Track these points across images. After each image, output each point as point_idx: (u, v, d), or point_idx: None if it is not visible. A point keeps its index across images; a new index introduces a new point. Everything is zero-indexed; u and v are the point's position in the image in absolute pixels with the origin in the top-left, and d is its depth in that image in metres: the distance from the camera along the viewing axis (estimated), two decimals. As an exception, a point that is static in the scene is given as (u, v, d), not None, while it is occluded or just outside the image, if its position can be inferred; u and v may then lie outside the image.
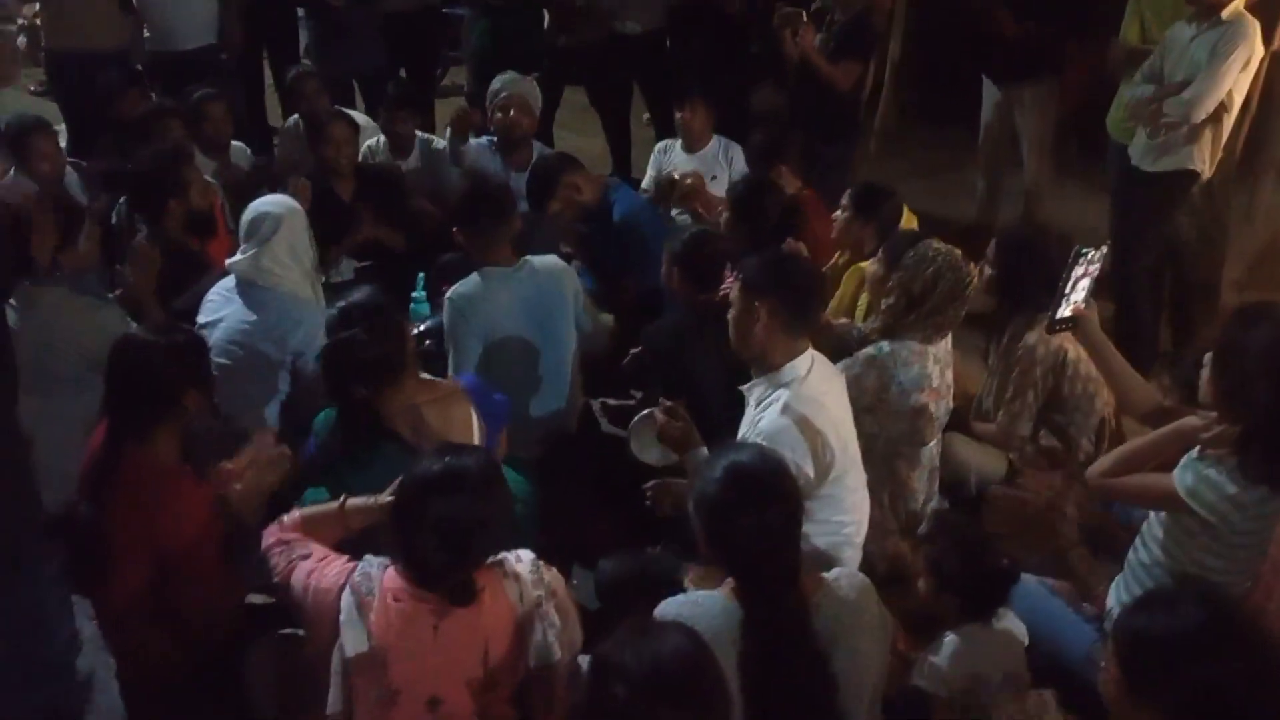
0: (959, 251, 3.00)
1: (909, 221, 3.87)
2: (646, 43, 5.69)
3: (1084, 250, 2.52)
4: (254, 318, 3.16)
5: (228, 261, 3.25)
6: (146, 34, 5.33)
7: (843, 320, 3.54)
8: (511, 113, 4.54)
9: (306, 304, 3.24)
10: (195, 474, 2.45)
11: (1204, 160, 3.89)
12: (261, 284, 3.18)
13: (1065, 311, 2.59)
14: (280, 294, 3.18)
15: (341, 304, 2.64)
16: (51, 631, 2.22)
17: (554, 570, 2.08)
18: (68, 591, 2.20)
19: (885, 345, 2.97)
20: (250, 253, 3.18)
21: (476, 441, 2.65)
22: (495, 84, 4.62)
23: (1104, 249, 2.60)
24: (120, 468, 2.33)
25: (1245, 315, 2.31)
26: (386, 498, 2.15)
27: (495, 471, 2.07)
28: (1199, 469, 2.25)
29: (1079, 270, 2.54)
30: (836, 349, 3.18)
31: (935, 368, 2.99)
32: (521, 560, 2.04)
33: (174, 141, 4.08)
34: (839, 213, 3.75)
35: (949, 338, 3.08)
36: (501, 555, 2.04)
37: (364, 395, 2.55)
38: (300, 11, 5.95)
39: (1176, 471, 2.28)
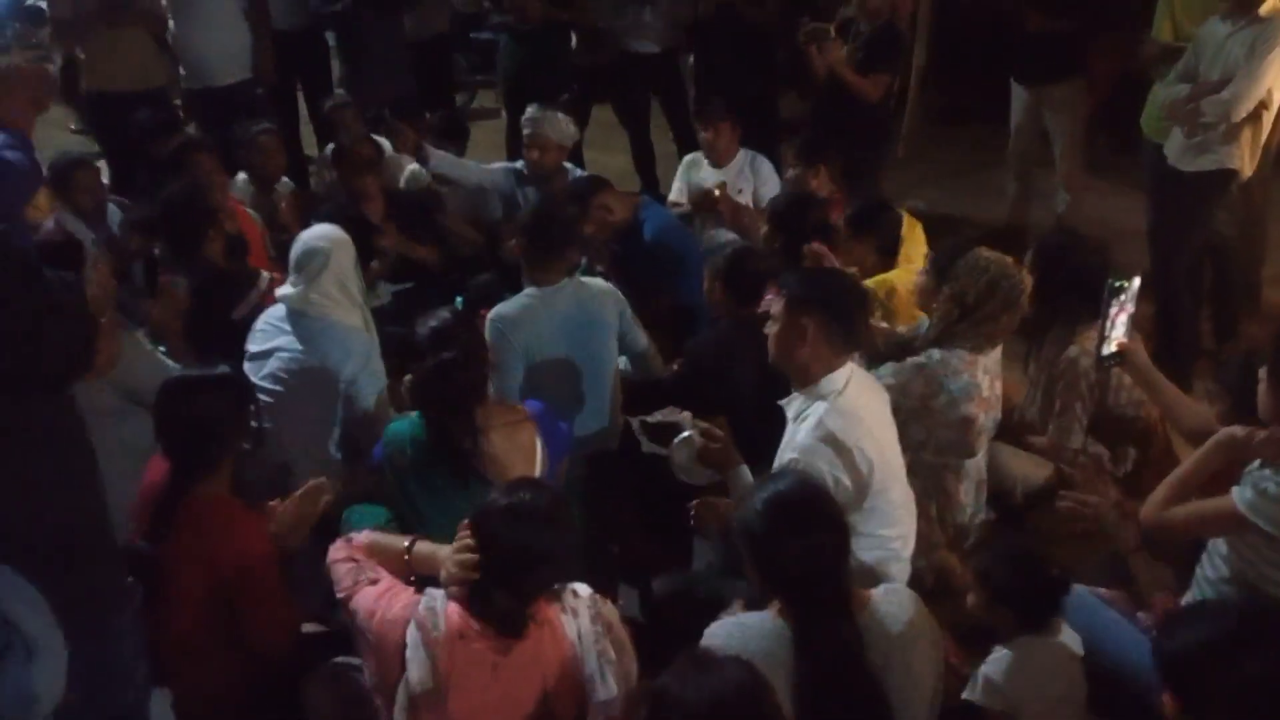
0: (1009, 258, 2.98)
1: (912, 230, 3.86)
2: (661, 61, 5.76)
3: (1117, 283, 2.54)
4: (306, 348, 3.20)
5: (278, 293, 3.30)
6: (182, 72, 5.42)
7: (883, 324, 3.54)
8: (535, 153, 4.58)
9: (357, 333, 3.28)
10: (247, 505, 2.49)
11: (1243, 159, 3.85)
12: (312, 315, 3.22)
13: (1110, 349, 2.63)
14: (331, 324, 3.22)
15: (432, 325, 2.73)
16: (129, 678, 2.22)
17: (610, 604, 2.10)
18: (143, 637, 2.22)
19: (935, 353, 2.94)
20: (300, 287, 3.23)
21: (539, 468, 2.69)
22: (524, 119, 4.66)
23: (1137, 280, 2.62)
24: (181, 505, 2.39)
25: None
26: (455, 555, 2.09)
27: (563, 509, 2.09)
28: (1257, 481, 2.21)
29: (1115, 305, 2.58)
30: (878, 356, 3.19)
31: (985, 378, 2.97)
32: (579, 595, 2.05)
33: (202, 174, 4.15)
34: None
35: (999, 349, 3.05)
36: (559, 588, 2.05)
37: (449, 418, 2.60)
38: (331, 41, 6.04)
39: (1235, 489, 2.24)
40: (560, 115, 4.60)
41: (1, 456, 1.71)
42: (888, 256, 3.71)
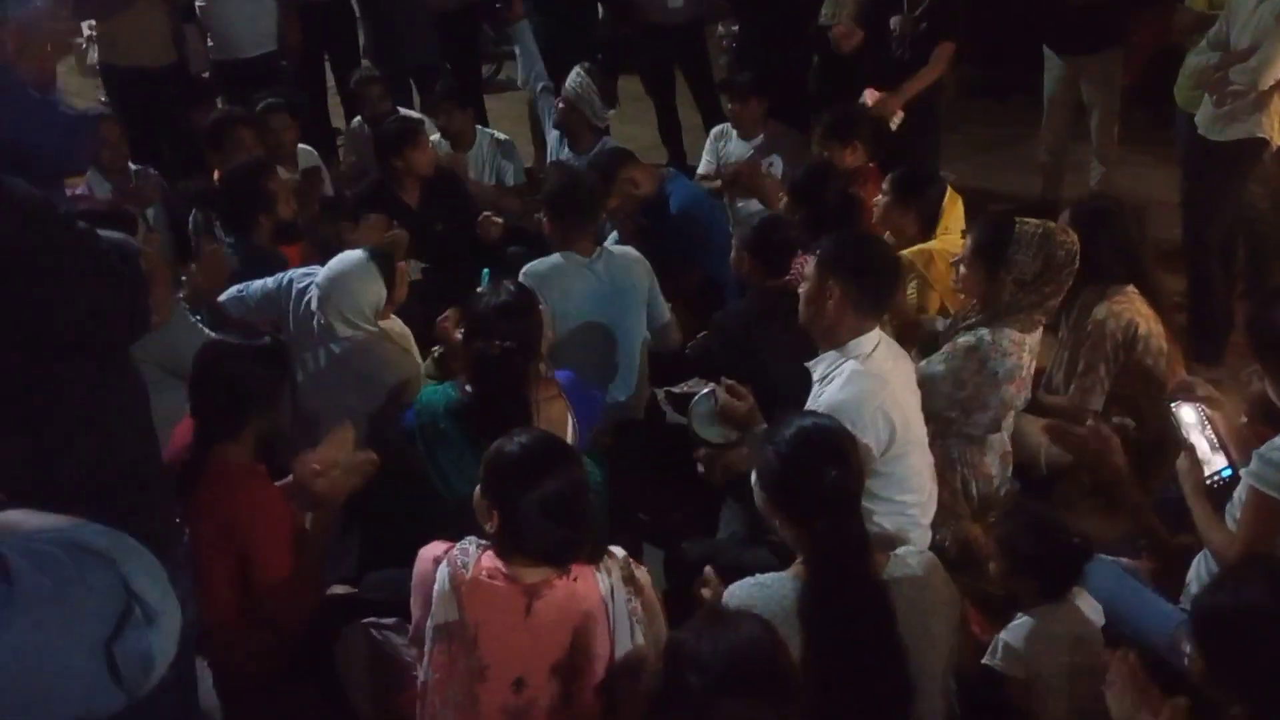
0: (1053, 223, 2.96)
1: (953, 204, 3.84)
2: (686, 32, 5.75)
3: (1174, 409, 2.48)
4: (340, 365, 3.16)
5: (314, 305, 3.20)
6: (209, 43, 5.46)
7: (926, 316, 3.54)
8: (564, 105, 4.63)
9: (390, 356, 3.20)
10: (269, 474, 2.54)
11: (1273, 127, 3.79)
12: (344, 340, 3.16)
13: (1210, 470, 2.42)
14: (364, 350, 3.16)
15: (502, 300, 2.74)
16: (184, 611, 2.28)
17: (643, 569, 2.13)
18: (189, 578, 2.29)
19: (986, 334, 2.91)
20: (322, 321, 3.16)
21: (570, 438, 2.72)
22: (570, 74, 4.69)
23: (1195, 407, 2.49)
24: (204, 469, 2.43)
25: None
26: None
27: (566, 444, 2.19)
28: (1260, 454, 2.19)
29: (1187, 426, 2.46)
30: (925, 344, 3.20)
31: (1028, 358, 2.96)
32: (614, 556, 2.09)
33: (252, 153, 4.16)
34: (879, 197, 3.74)
35: (1040, 330, 3.02)
36: (596, 548, 2.09)
37: (504, 398, 2.64)
38: (356, 10, 6.06)
39: (1245, 472, 2.23)
40: (592, 93, 4.59)
41: (77, 409, 1.79)
42: (928, 226, 3.69)
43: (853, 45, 4.70)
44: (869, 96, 4.58)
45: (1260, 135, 3.82)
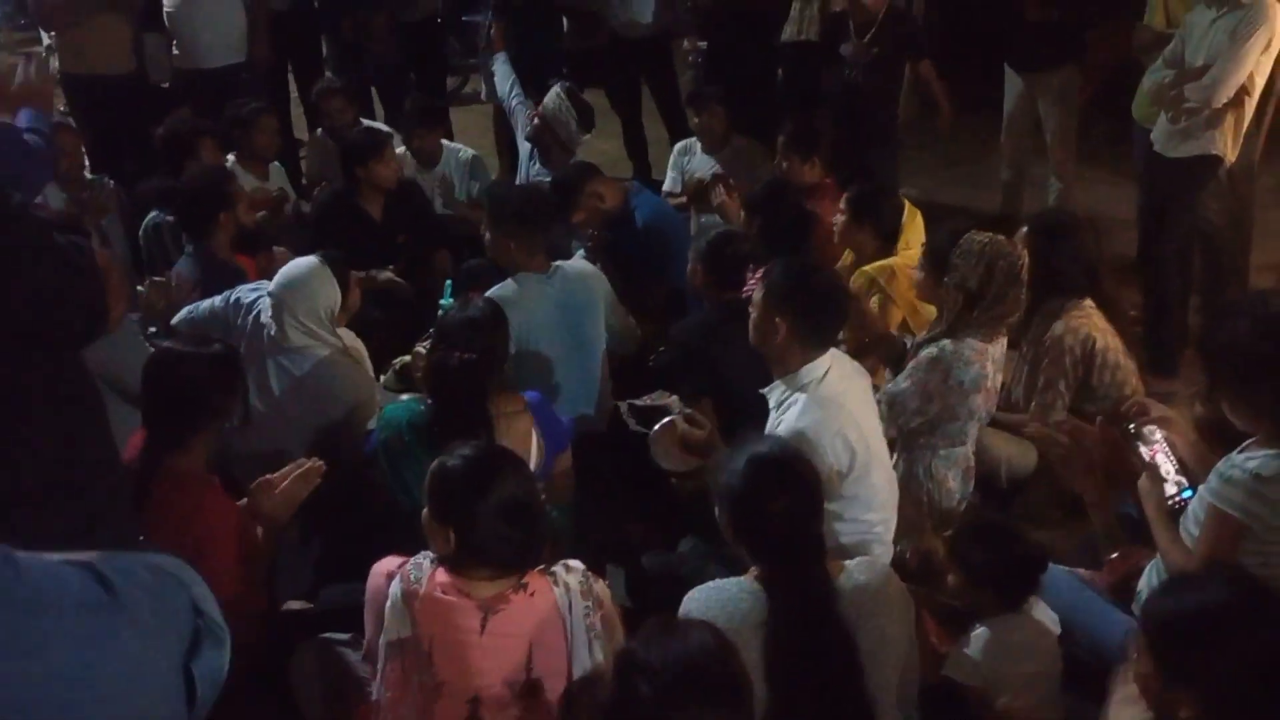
0: (1000, 237, 3.00)
1: (912, 218, 3.87)
2: (651, 46, 5.79)
3: (1134, 430, 2.49)
4: (293, 383, 3.13)
5: (265, 316, 3.18)
6: (175, 52, 5.43)
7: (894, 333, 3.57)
8: (538, 122, 4.62)
9: (342, 369, 3.17)
10: (224, 486, 2.51)
11: (1226, 144, 3.86)
12: (294, 354, 3.13)
13: (1172, 490, 2.40)
14: (314, 363, 3.13)
15: (469, 315, 2.78)
16: None
17: (602, 582, 2.12)
18: None
19: (948, 344, 2.95)
20: (275, 331, 3.14)
21: (534, 458, 2.71)
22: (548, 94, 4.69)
23: (1155, 428, 2.50)
24: (155, 478, 2.39)
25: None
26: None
27: (507, 449, 2.21)
28: (1219, 472, 2.19)
29: (1146, 450, 2.46)
30: (894, 361, 3.22)
31: (992, 368, 2.99)
32: (572, 570, 2.08)
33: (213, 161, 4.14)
34: (837, 216, 3.77)
35: (1004, 341, 3.06)
36: (554, 566, 2.08)
37: (464, 409, 2.63)
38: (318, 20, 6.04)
39: (1203, 489, 2.24)
40: (569, 115, 4.58)
41: (38, 406, 1.78)
42: (888, 242, 3.71)
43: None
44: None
45: (1215, 152, 3.88)
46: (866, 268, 3.62)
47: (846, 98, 4.75)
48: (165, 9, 5.32)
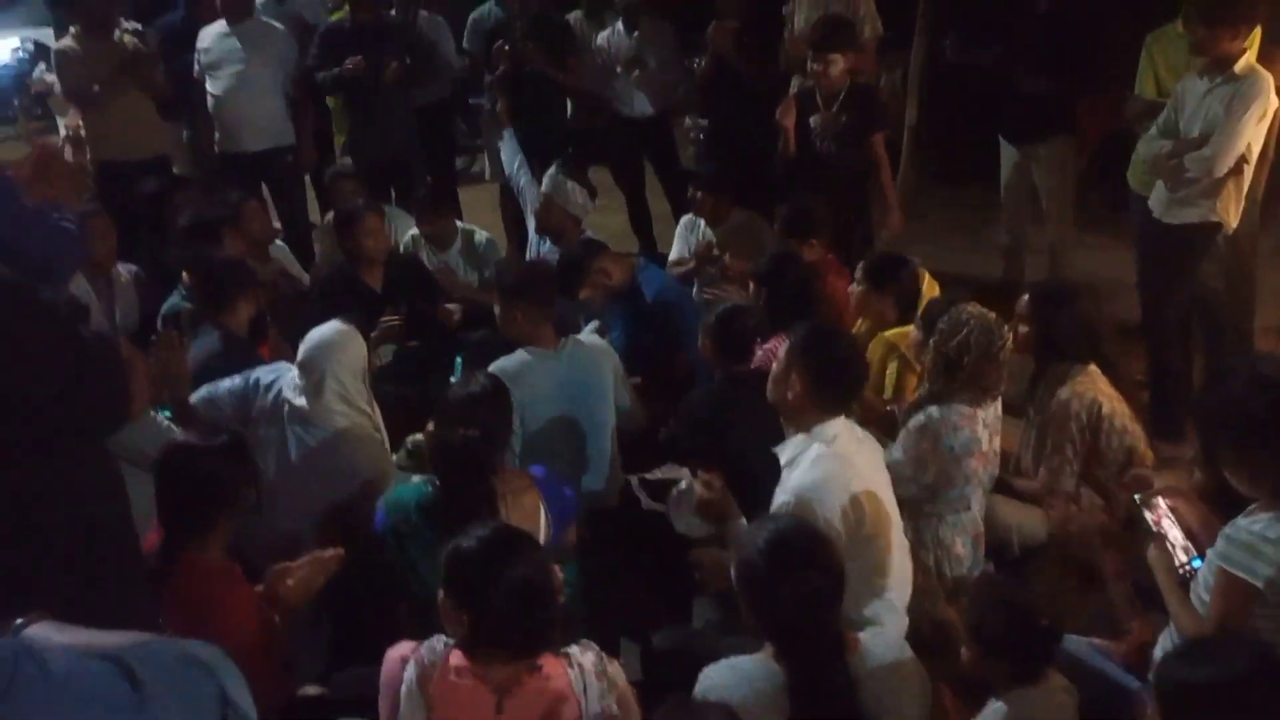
0: (992, 314, 3.05)
1: (930, 287, 3.91)
2: (652, 124, 5.96)
3: (1139, 501, 2.53)
4: (313, 448, 3.15)
5: (286, 392, 3.22)
6: (216, 135, 5.58)
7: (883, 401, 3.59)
8: (544, 211, 4.67)
9: (362, 447, 3.21)
10: (243, 573, 2.52)
11: (1227, 211, 3.91)
12: (319, 424, 3.16)
13: (1181, 558, 2.41)
14: (336, 436, 3.16)
15: (469, 391, 2.82)
16: None
17: (616, 664, 2.12)
18: None
19: (934, 411, 3.00)
20: (302, 400, 3.17)
21: (543, 534, 2.73)
22: (545, 176, 4.74)
23: (1159, 498, 2.54)
24: (174, 571, 2.41)
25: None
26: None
27: (521, 530, 2.21)
28: (1226, 535, 2.20)
29: (1152, 516, 2.50)
30: (887, 428, 3.24)
31: (985, 432, 3.02)
32: (587, 653, 2.08)
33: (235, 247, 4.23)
34: (854, 285, 3.81)
35: (999, 403, 3.10)
36: (568, 648, 2.08)
37: (469, 487, 2.65)
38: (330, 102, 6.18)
39: (1211, 554, 2.24)
40: (573, 186, 4.65)
41: (60, 502, 1.80)
42: (908, 310, 3.75)
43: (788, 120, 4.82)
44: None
45: (1214, 219, 3.93)
46: (886, 334, 3.66)
47: (815, 169, 4.84)
48: (210, 94, 5.48)
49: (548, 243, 4.77)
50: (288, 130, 5.64)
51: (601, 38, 5.96)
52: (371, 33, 5.63)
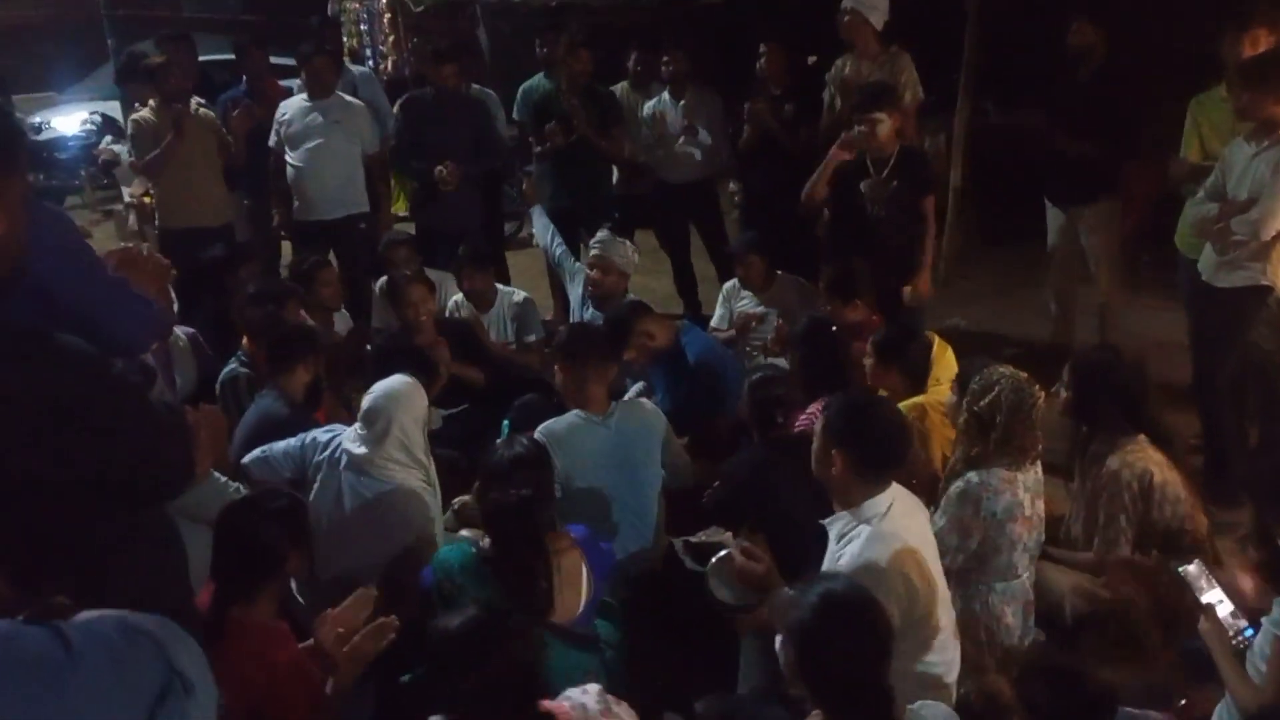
0: (1023, 374, 3.04)
1: (942, 353, 3.89)
2: (697, 190, 6.09)
3: (1179, 570, 2.52)
4: (366, 502, 3.20)
5: (346, 444, 3.29)
6: (296, 204, 5.79)
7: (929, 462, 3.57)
8: (598, 274, 4.69)
9: (417, 500, 3.24)
10: (290, 628, 2.56)
11: (1275, 275, 3.87)
12: (375, 475, 3.21)
13: (1235, 625, 2.39)
14: (392, 488, 3.20)
15: (516, 452, 2.87)
16: None
17: (624, 704, 2.11)
18: None
19: (974, 477, 2.98)
20: (364, 449, 3.24)
21: (584, 594, 2.75)
22: (593, 241, 4.83)
23: (1196, 562, 2.55)
24: (224, 628, 2.44)
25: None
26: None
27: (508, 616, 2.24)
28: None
29: (1199, 587, 2.49)
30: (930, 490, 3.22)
31: (1026, 496, 2.99)
32: (587, 693, 2.08)
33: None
34: (865, 359, 3.83)
35: (1039, 467, 3.07)
36: (567, 691, 2.09)
37: (523, 548, 2.70)
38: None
39: (1267, 622, 2.21)
40: (626, 243, 4.75)
41: (118, 558, 1.86)
42: (917, 382, 3.75)
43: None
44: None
45: (1264, 283, 3.89)
46: (900, 405, 3.64)
47: (864, 233, 4.85)
48: (291, 164, 5.69)
49: (590, 308, 4.83)
50: (363, 199, 5.83)
51: (648, 107, 6.10)
52: (451, 110, 5.84)
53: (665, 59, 6.00)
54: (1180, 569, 2.47)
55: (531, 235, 7.06)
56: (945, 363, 3.87)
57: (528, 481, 2.77)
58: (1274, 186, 3.71)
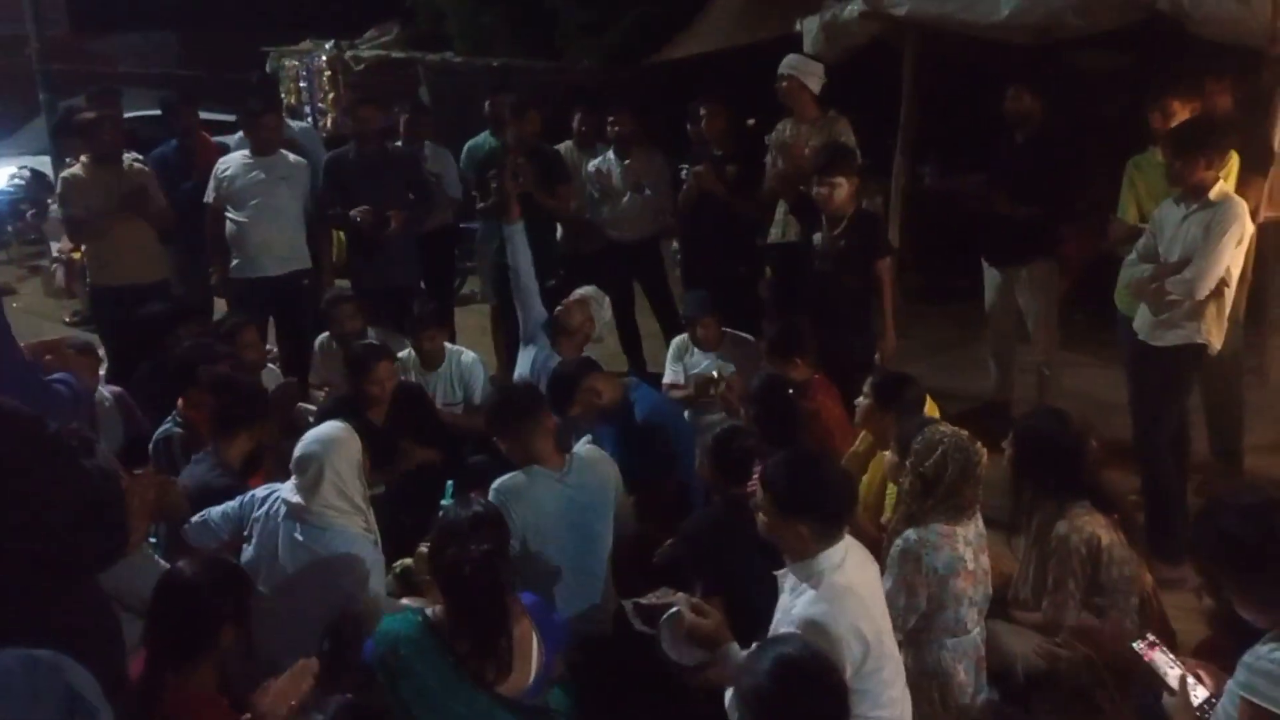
0: (965, 432, 3.07)
1: (931, 411, 3.93)
2: (642, 248, 6.13)
3: (1137, 649, 2.55)
4: (301, 553, 3.14)
5: (282, 493, 3.24)
6: (235, 260, 5.65)
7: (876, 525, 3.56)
8: (570, 300, 4.81)
9: (357, 546, 3.20)
10: (231, 704, 2.44)
11: (1210, 333, 3.97)
12: (312, 522, 3.16)
13: (1201, 692, 2.39)
14: (332, 534, 3.15)
15: (475, 511, 2.75)
16: None
17: None
18: None
19: (911, 534, 2.99)
20: (297, 498, 3.18)
21: (534, 663, 2.67)
22: (587, 292, 4.90)
23: (1148, 639, 2.58)
24: (159, 698, 2.33)
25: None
26: None
27: None
28: (1246, 665, 2.17)
29: (1151, 658, 2.51)
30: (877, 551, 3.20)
31: (967, 550, 3.00)
32: None
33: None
34: (860, 399, 3.83)
35: (979, 520, 3.09)
36: None
37: (483, 606, 2.61)
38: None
39: (1232, 684, 2.21)
40: (607, 303, 4.84)
41: (54, 627, 1.80)
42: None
43: None
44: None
45: (1199, 341, 3.98)
46: (887, 453, 3.64)
47: (818, 288, 4.92)
48: (232, 220, 5.56)
49: (533, 349, 4.79)
50: (306, 256, 5.75)
51: (592, 165, 6.13)
52: (378, 164, 5.78)
53: (611, 119, 6.05)
54: (1135, 645, 2.49)
55: (475, 293, 7.04)
56: (931, 413, 3.88)
57: (487, 539, 2.68)
58: (1206, 247, 3.81)
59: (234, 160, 5.65)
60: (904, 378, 3.89)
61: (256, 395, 3.90)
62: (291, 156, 5.77)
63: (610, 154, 6.10)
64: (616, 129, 6.03)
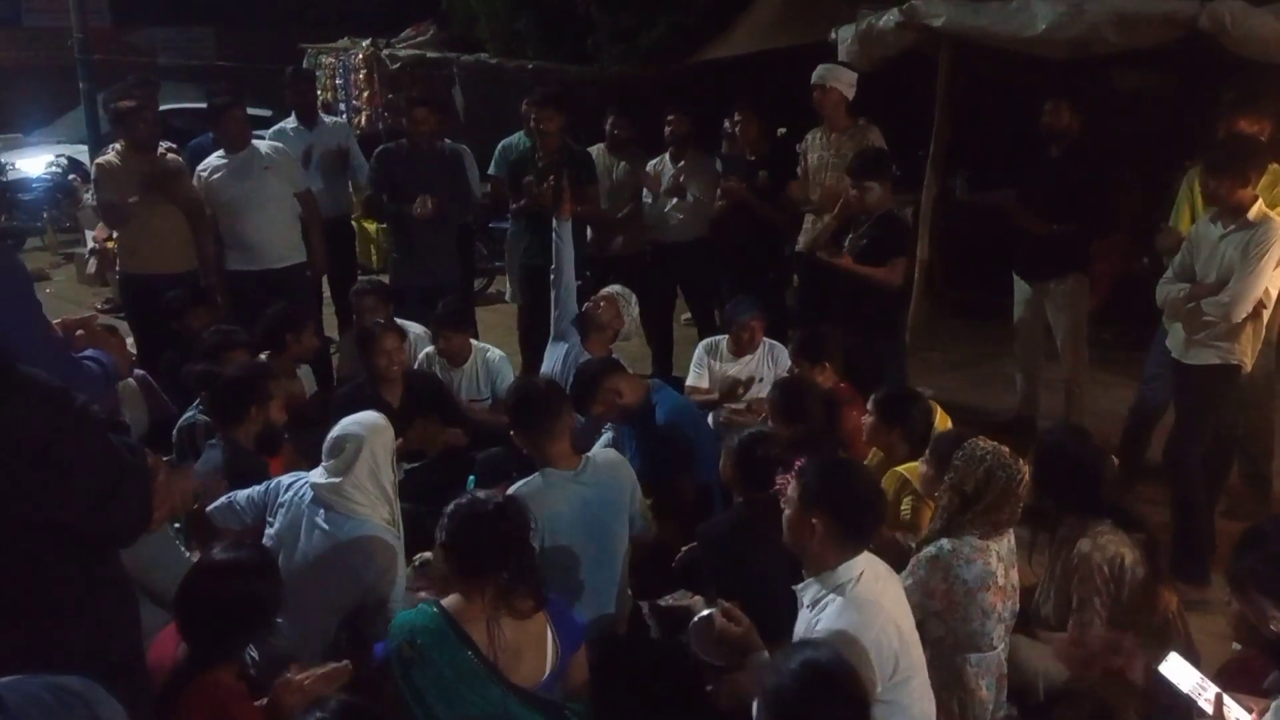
0: (1006, 449, 3.03)
1: (943, 421, 3.89)
2: (688, 250, 6.09)
3: (1160, 670, 2.52)
4: (327, 542, 3.13)
5: (310, 478, 3.23)
6: (230, 254, 5.66)
7: (898, 534, 3.53)
8: (601, 295, 4.86)
9: (381, 538, 3.18)
10: (250, 691, 2.45)
11: (1245, 353, 3.92)
12: (339, 510, 3.15)
13: (1240, 713, 2.36)
14: (357, 523, 3.14)
15: (498, 502, 2.75)
16: None
17: None
18: None
19: (945, 544, 2.95)
20: (331, 479, 3.17)
21: (549, 659, 2.66)
22: (614, 290, 4.95)
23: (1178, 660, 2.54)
24: (189, 688, 2.35)
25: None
26: None
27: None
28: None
29: (1185, 686, 2.47)
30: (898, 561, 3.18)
31: (999, 566, 2.96)
32: None
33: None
34: (866, 416, 3.81)
35: (1011, 536, 3.05)
36: None
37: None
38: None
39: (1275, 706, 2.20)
40: (636, 303, 4.85)
41: (71, 601, 1.86)
42: (918, 443, 3.72)
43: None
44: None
45: (1234, 361, 3.94)
46: (899, 468, 3.62)
47: (846, 289, 4.91)
48: (226, 216, 5.57)
49: (563, 345, 4.81)
50: (301, 247, 5.77)
51: (650, 166, 6.17)
52: (426, 156, 5.84)
53: (670, 119, 6.09)
54: (1160, 668, 2.45)
55: (502, 293, 7.05)
56: (943, 426, 3.85)
57: (509, 521, 2.68)
58: (1244, 269, 3.77)
59: (211, 164, 5.62)
60: (909, 394, 3.85)
61: (243, 376, 3.86)
62: (264, 145, 5.76)
63: (666, 156, 6.14)
64: (672, 129, 6.06)
